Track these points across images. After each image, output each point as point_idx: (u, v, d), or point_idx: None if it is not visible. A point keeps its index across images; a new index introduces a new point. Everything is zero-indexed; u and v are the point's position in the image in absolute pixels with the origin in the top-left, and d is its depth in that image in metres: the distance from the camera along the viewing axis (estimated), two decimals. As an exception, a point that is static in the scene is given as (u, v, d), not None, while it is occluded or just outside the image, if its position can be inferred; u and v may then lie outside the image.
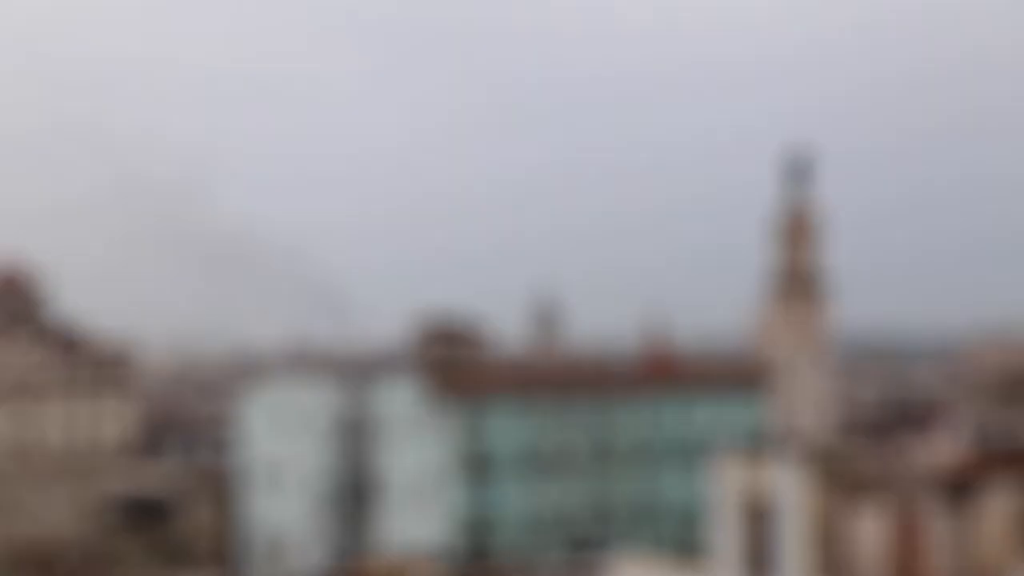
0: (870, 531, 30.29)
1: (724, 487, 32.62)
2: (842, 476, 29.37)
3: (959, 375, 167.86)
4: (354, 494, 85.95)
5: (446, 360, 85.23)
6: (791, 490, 30.62)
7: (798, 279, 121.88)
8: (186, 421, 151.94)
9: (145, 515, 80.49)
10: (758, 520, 31.89)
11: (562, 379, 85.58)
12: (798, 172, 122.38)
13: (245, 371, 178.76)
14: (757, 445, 33.86)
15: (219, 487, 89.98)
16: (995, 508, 36.40)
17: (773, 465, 31.15)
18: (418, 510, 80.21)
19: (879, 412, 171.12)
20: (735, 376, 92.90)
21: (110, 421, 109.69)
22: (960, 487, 33.20)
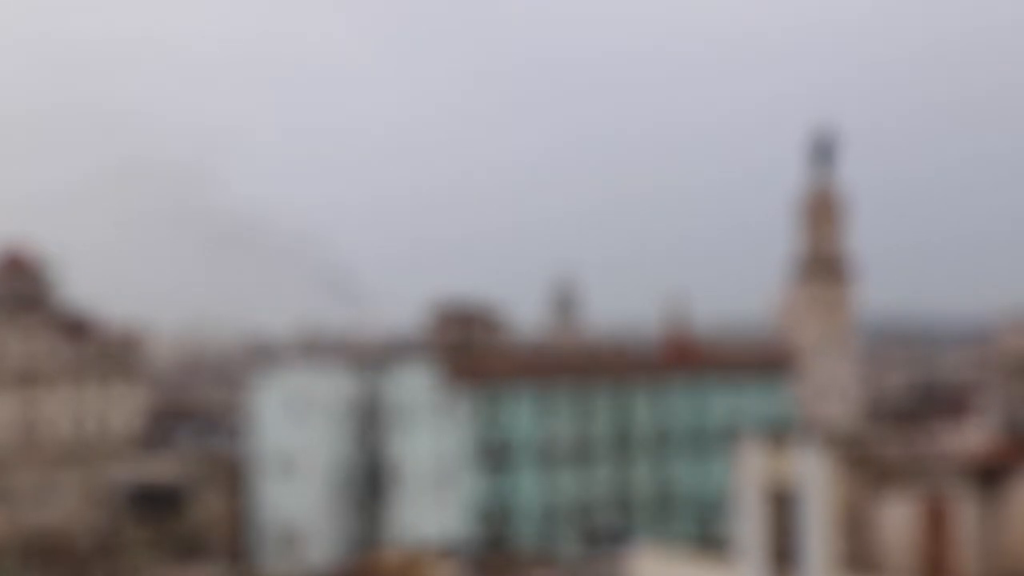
0: (897, 519, 30.23)
1: (747, 475, 32.57)
2: (868, 463, 29.32)
3: (988, 360, 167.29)
4: (369, 483, 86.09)
5: (462, 346, 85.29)
6: (816, 478, 30.55)
7: (823, 262, 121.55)
8: (197, 409, 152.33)
9: (155, 504, 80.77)
10: (782, 509, 31.84)
11: (580, 366, 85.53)
12: (823, 152, 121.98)
13: (257, 358, 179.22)
14: (781, 432, 33.80)
15: (231, 476, 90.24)
16: (1026, 496, 36.36)
17: (798, 452, 31.09)
18: (433, 499, 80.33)
19: (907, 397, 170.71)
20: (758, 362, 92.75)
21: (119, 408, 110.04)
22: (990, 474, 33.10)
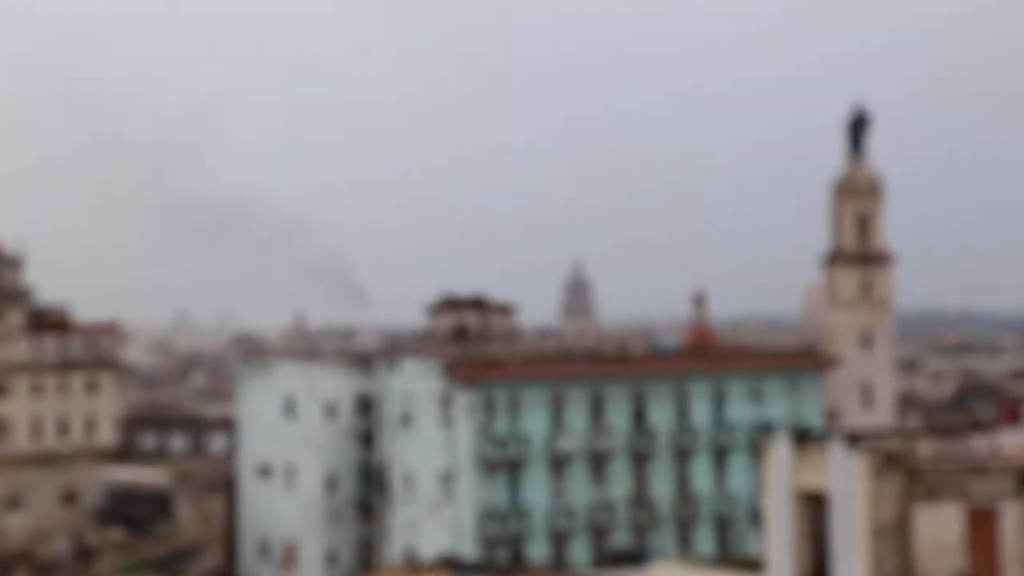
0: (940, 528, 29.84)
1: (776, 482, 32.17)
2: (908, 466, 28.93)
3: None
4: (366, 490, 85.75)
5: (466, 343, 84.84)
6: (851, 483, 30.13)
7: (860, 248, 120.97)
8: (181, 411, 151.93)
9: (134, 512, 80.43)
10: (814, 518, 31.45)
11: (594, 365, 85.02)
12: (859, 132, 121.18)
13: (247, 356, 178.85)
14: (812, 432, 33.40)
15: (219, 482, 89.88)
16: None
17: (830, 456, 30.69)
18: (435, 507, 79.92)
19: (947, 394, 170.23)
20: (785, 361, 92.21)
21: (96, 410, 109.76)
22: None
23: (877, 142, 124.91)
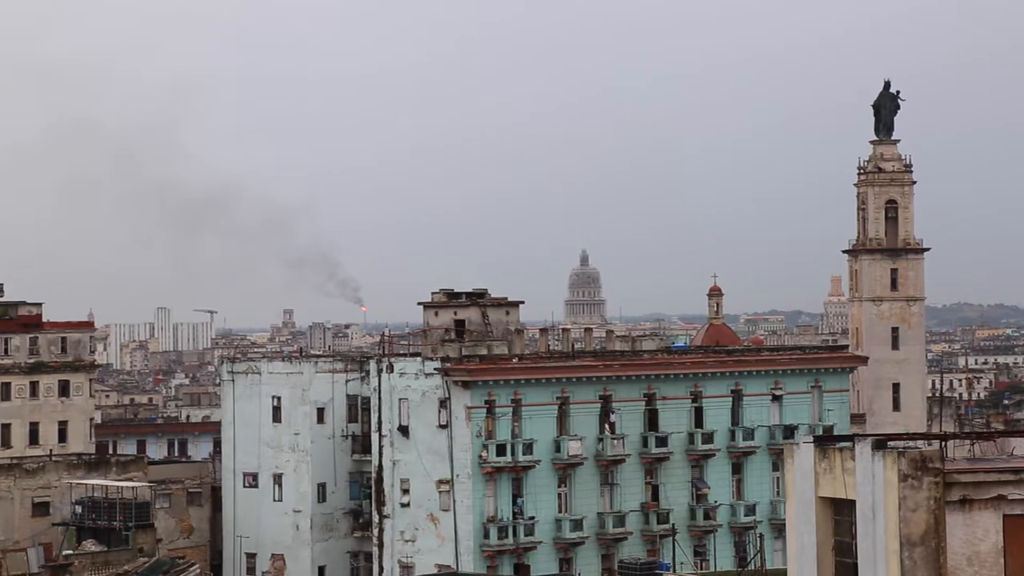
0: (971, 533, 29.79)
1: (799, 488, 32.09)
2: (938, 469, 28.92)
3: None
4: (361, 497, 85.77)
5: (465, 340, 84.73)
6: (877, 487, 30.05)
7: (883, 241, 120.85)
8: (161, 414, 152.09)
9: (113, 523, 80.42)
10: (840, 526, 31.38)
11: (602, 364, 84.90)
12: (885, 116, 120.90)
13: (231, 355, 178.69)
14: (837, 437, 33.34)
15: (204, 491, 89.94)
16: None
17: (856, 458, 30.61)
18: (435, 516, 79.85)
19: (981, 393, 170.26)
20: (808, 358, 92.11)
21: (73, 414, 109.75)
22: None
23: (905, 123, 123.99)
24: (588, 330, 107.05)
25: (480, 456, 78.25)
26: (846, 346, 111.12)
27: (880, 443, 30.25)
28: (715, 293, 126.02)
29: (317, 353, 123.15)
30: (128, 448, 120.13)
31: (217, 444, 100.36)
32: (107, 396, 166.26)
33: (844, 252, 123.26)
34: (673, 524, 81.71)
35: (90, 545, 79.05)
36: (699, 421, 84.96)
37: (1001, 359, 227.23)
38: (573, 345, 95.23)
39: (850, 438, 31.29)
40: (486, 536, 78.23)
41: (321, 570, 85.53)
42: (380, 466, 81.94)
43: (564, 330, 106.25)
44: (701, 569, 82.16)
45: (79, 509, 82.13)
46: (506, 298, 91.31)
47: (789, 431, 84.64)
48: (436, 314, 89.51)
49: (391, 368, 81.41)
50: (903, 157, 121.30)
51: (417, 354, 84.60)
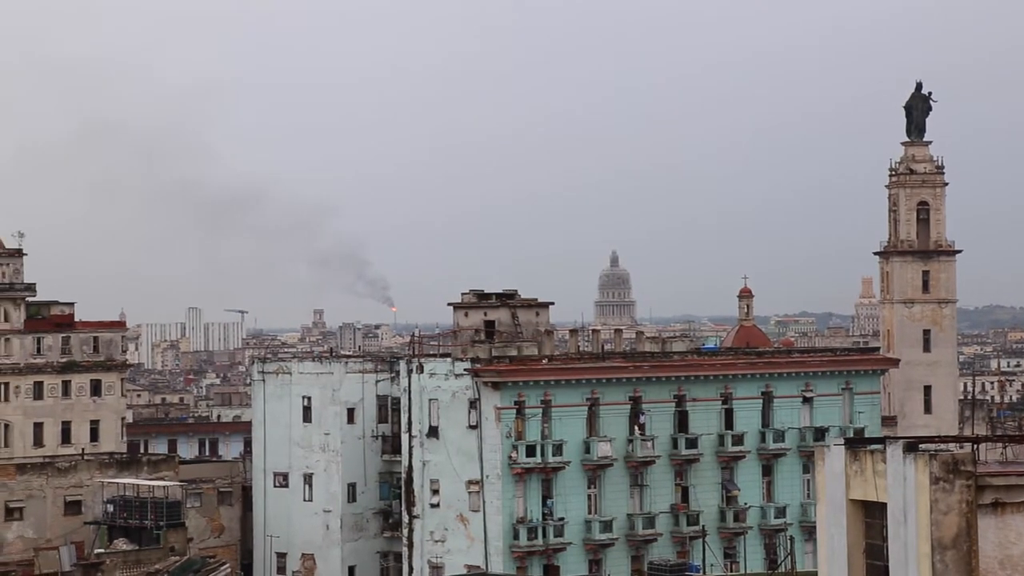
0: (1004, 537, 29.63)
1: (830, 487, 31.96)
2: (970, 472, 28.76)
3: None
4: (391, 497, 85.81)
5: (495, 341, 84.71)
6: (909, 490, 29.90)
7: (914, 243, 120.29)
8: (192, 413, 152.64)
9: (144, 522, 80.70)
10: (872, 530, 31.25)
11: (632, 365, 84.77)
12: (917, 116, 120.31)
13: (262, 355, 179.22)
14: (869, 440, 33.21)
15: (235, 491, 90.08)
16: None
17: (887, 461, 30.47)
18: (465, 517, 79.85)
19: (1014, 396, 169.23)
20: (839, 360, 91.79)
21: (105, 413, 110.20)
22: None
23: (938, 122, 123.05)
24: (618, 331, 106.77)
25: (510, 457, 78.19)
26: (877, 348, 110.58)
27: (911, 446, 30.12)
28: (745, 294, 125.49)
29: (347, 353, 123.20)
30: (159, 447, 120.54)
31: (248, 444, 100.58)
32: (138, 396, 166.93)
33: (875, 254, 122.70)
34: (703, 526, 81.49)
35: (121, 544, 79.33)
36: (729, 423, 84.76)
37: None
38: (603, 346, 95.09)
39: (881, 440, 31.17)
40: (516, 537, 78.16)
41: (351, 570, 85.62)
42: (410, 466, 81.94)
43: (594, 331, 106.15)
44: (731, 571, 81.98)
45: (111, 508, 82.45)
46: (536, 299, 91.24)
47: (820, 433, 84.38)
48: (466, 315, 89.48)
49: (421, 369, 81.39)
50: (935, 158, 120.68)
51: (447, 355, 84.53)
